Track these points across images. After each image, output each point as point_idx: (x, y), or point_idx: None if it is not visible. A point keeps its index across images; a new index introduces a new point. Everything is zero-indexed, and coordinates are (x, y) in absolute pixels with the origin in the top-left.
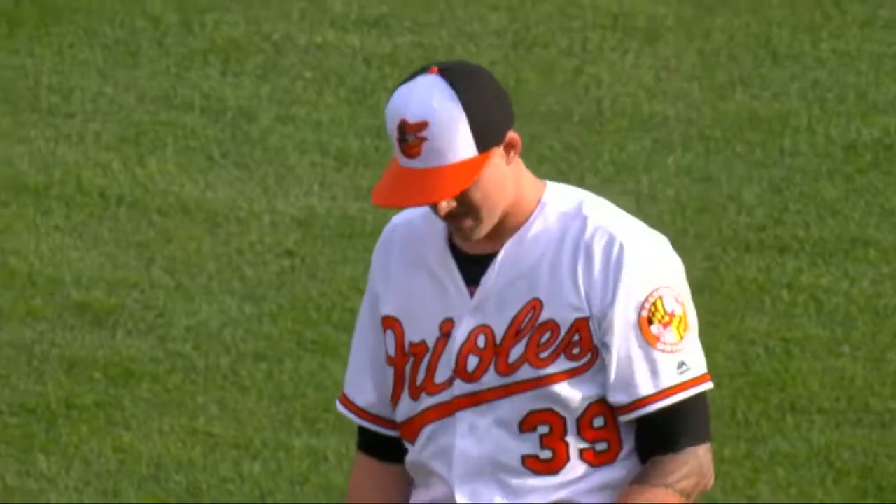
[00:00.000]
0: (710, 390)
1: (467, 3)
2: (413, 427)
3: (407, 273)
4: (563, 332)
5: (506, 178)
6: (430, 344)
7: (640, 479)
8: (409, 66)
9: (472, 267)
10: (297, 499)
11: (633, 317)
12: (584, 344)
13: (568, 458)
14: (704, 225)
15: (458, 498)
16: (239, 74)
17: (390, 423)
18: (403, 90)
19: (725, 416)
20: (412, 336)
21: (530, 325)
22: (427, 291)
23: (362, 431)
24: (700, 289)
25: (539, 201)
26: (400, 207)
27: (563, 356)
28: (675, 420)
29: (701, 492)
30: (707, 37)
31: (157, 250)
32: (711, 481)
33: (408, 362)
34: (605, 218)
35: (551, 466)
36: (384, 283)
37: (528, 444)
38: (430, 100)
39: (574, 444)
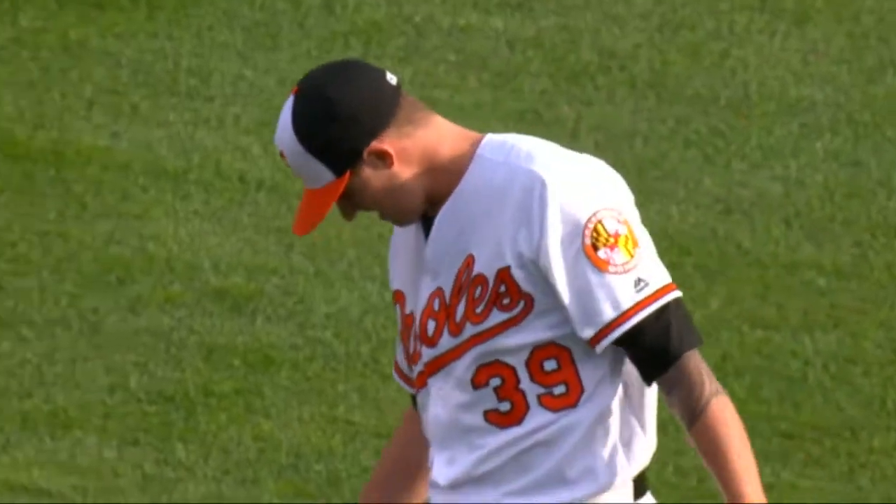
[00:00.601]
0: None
1: None
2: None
3: (404, 246)
4: (490, 285)
5: (392, 180)
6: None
7: (690, 419)
8: (553, 49)
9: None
10: None
11: (575, 247)
12: (512, 294)
13: (528, 407)
14: (853, 210)
15: (436, 466)
16: (380, 57)
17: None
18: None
19: (875, 405)
20: (408, 307)
21: (467, 281)
22: (411, 262)
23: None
24: (849, 276)
25: (472, 158)
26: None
27: (495, 309)
28: (654, 337)
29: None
30: (856, 19)
31: (297, 236)
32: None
33: (409, 334)
34: (528, 160)
35: (512, 417)
36: (393, 259)
37: (486, 400)
38: (280, 130)
39: (531, 392)
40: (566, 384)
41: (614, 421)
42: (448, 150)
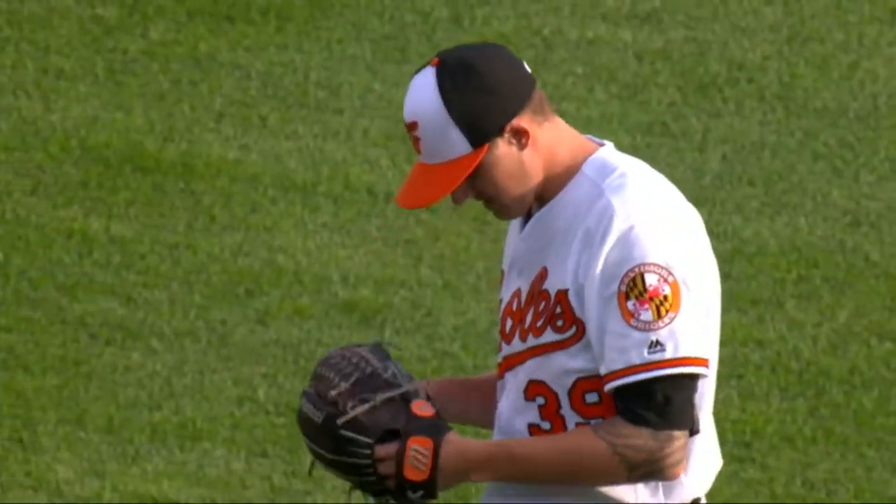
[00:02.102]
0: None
1: None
2: None
3: (512, 231)
4: (551, 303)
5: (520, 164)
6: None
7: (591, 426)
8: (682, 60)
9: None
10: None
11: (611, 290)
12: (566, 316)
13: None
14: None
15: None
16: None
17: None
18: (410, 85)
19: None
20: (501, 292)
21: (537, 292)
22: (511, 250)
23: None
24: None
25: (577, 170)
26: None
27: (549, 328)
28: (641, 398)
29: (652, 476)
30: None
31: (426, 248)
32: (671, 472)
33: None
34: (616, 189)
35: None
36: (507, 240)
37: (532, 413)
38: (418, 99)
39: (570, 419)
40: (604, 419)
41: None
42: (565, 154)
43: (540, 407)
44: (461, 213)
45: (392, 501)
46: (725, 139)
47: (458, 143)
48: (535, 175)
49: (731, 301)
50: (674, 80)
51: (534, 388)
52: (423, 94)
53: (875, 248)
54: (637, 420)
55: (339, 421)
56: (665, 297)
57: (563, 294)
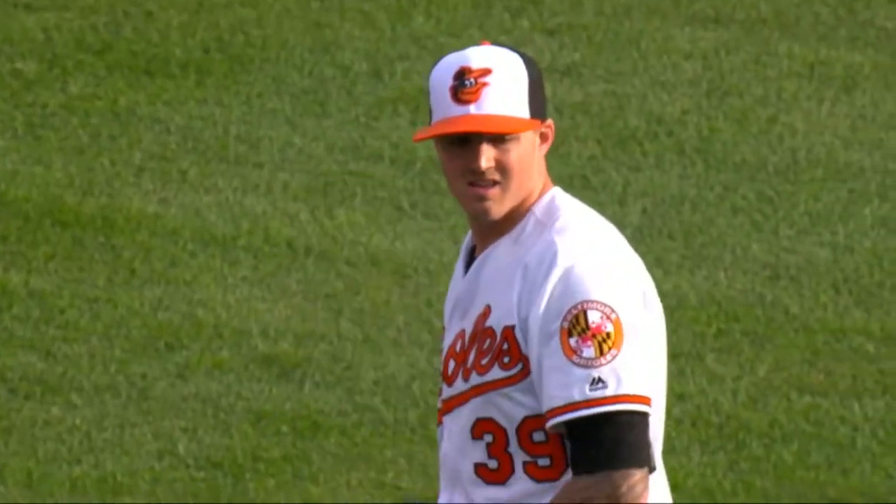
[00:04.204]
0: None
1: (661, 52)
2: None
3: (455, 281)
4: (497, 340)
5: (535, 160)
6: None
7: (554, 496)
8: (601, 114)
9: None
10: None
11: (554, 327)
12: (512, 353)
13: (513, 470)
14: None
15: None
16: (428, 123)
17: None
18: (459, 52)
19: None
20: (444, 342)
21: (481, 330)
22: (453, 298)
23: None
24: None
25: (529, 209)
26: (454, 135)
27: (496, 365)
28: (588, 437)
29: None
30: None
31: (346, 302)
32: None
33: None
34: (560, 231)
35: (498, 476)
36: (448, 293)
37: (478, 452)
38: (495, 52)
39: (517, 457)
40: (551, 458)
41: None
42: (537, 185)
43: (488, 445)
44: (380, 268)
45: None
46: (645, 192)
47: (521, 104)
48: (534, 179)
49: None
50: (593, 133)
51: (481, 426)
52: (500, 50)
53: (794, 301)
54: (591, 467)
55: None
56: (608, 335)
57: (509, 330)
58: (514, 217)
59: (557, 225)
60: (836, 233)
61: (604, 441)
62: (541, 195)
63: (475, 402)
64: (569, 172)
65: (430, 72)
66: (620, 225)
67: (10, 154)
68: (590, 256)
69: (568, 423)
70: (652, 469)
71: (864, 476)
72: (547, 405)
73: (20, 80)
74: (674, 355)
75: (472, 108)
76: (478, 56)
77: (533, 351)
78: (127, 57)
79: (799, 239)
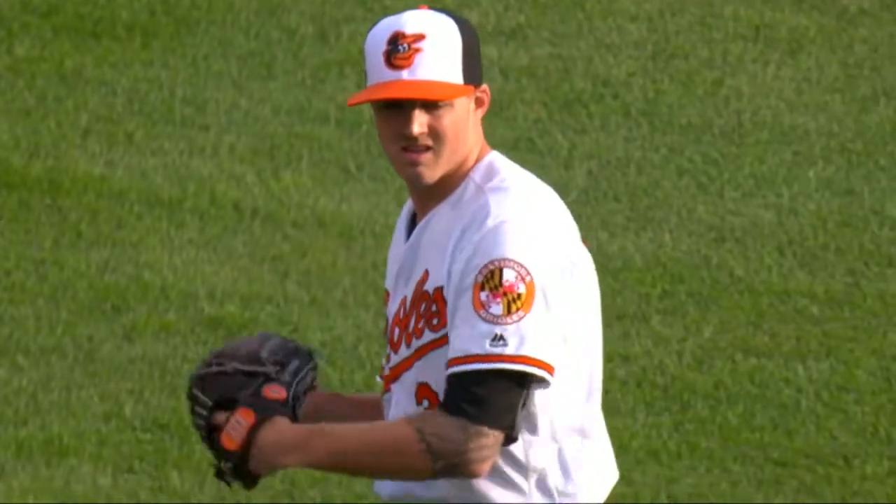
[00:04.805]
0: (543, 381)
1: (606, 14)
2: None
3: (396, 247)
4: (431, 303)
5: (471, 125)
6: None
7: (408, 415)
8: (547, 77)
9: None
10: None
11: (470, 279)
12: (440, 315)
13: None
14: (846, 239)
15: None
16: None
17: None
18: (394, 16)
19: (868, 432)
20: (388, 309)
21: (419, 295)
22: (396, 265)
23: None
24: (841, 304)
25: (467, 174)
26: (384, 100)
27: (427, 328)
28: (467, 389)
29: (454, 470)
30: (849, 48)
31: (292, 264)
32: (474, 468)
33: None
34: (495, 191)
35: None
36: (389, 259)
37: None
38: (429, 18)
39: None
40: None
41: (532, 455)
42: (474, 149)
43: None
44: (327, 230)
45: (225, 480)
46: (591, 155)
47: (455, 69)
48: (469, 144)
49: None
50: (539, 96)
51: (421, 391)
52: (435, 15)
53: (739, 263)
54: (454, 410)
55: (191, 374)
56: (518, 296)
57: (438, 292)
58: (452, 182)
59: (493, 185)
60: (781, 195)
61: (477, 394)
62: (478, 160)
63: (416, 366)
64: (515, 136)
65: (366, 35)
66: (566, 188)
67: None
68: (518, 217)
69: (460, 373)
70: (512, 439)
71: (808, 437)
72: (450, 355)
73: None
74: (619, 317)
75: (405, 74)
76: (412, 21)
77: (450, 304)
78: (73, 19)
79: (744, 201)
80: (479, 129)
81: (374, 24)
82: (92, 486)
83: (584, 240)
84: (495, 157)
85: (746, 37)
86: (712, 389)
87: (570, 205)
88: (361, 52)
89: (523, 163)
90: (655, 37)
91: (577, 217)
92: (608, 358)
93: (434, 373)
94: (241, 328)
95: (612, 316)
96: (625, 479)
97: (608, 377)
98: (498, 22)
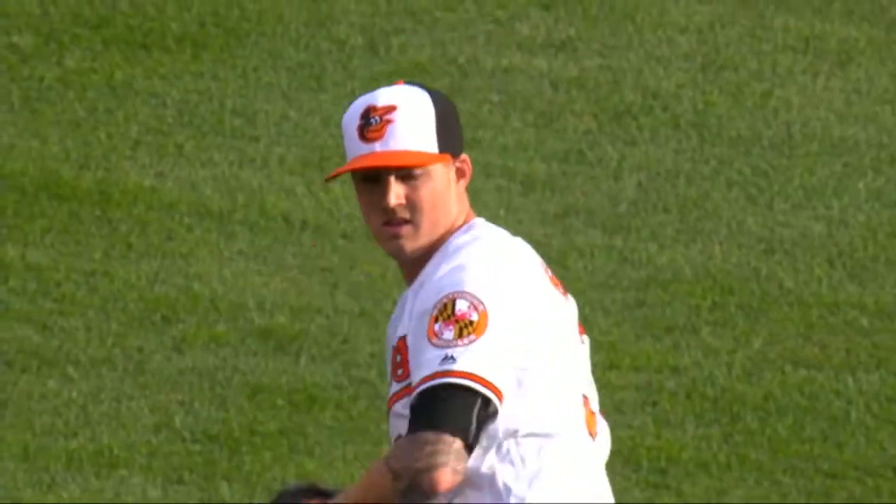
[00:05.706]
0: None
1: (656, 26)
2: None
3: None
4: (396, 353)
5: (452, 195)
6: None
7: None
8: (597, 89)
9: None
10: None
11: (426, 316)
12: (404, 365)
13: None
14: None
15: None
16: None
17: None
18: (369, 92)
19: None
20: None
21: (392, 348)
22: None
23: None
24: (891, 315)
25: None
26: (356, 171)
27: (393, 380)
28: (421, 403)
29: (417, 486)
30: None
31: (342, 276)
32: (429, 477)
33: None
34: (467, 245)
35: None
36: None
37: None
38: (401, 90)
39: None
40: None
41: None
42: (465, 211)
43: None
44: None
45: None
46: (640, 167)
47: (428, 139)
48: (452, 215)
49: (646, 328)
50: (589, 107)
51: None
52: (407, 88)
53: (789, 275)
54: (410, 431)
55: None
56: (470, 322)
57: (402, 340)
58: (435, 249)
59: (464, 240)
60: (831, 207)
61: (426, 406)
62: (461, 225)
63: (391, 414)
64: (565, 147)
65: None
66: (616, 199)
67: (6, 128)
68: (477, 257)
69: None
70: (469, 446)
71: (858, 449)
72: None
73: (17, 54)
74: (669, 328)
75: (378, 146)
76: (384, 95)
77: (410, 346)
78: (123, 31)
79: (794, 213)
80: (465, 200)
81: (351, 102)
82: (142, 498)
83: (565, 292)
84: (478, 222)
85: (796, 48)
86: (762, 401)
87: (619, 217)
88: (411, 63)
89: (573, 174)
90: (705, 48)
91: (627, 228)
92: (657, 369)
93: (402, 424)
94: (291, 340)
95: (662, 328)
96: (675, 490)
97: (659, 389)
98: (548, 34)
